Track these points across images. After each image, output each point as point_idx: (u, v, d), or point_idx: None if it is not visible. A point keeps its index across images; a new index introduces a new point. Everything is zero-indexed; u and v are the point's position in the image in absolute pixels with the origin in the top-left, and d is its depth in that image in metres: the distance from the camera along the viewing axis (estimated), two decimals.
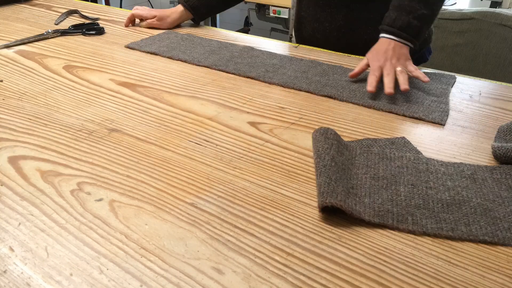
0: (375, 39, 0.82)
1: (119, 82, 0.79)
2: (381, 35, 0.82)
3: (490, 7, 2.02)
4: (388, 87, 0.73)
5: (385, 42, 0.80)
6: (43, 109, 0.68)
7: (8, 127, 0.63)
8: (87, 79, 0.80)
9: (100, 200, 0.49)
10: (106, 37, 1.03)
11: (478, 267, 0.41)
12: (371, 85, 0.74)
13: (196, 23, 1.16)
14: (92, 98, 0.72)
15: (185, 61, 0.89)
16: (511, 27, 1.46)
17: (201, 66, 0.87)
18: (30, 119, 0.65)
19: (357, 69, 0.80)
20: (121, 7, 3.08)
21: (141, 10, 1.12)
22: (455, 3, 2.10)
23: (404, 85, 0.72)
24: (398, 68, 0.75)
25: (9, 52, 0.92)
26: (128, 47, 0.96)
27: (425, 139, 0.62)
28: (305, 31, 1.06)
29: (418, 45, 0.81)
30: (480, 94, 0.77)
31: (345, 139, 0.62)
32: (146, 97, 0.74)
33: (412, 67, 0.77)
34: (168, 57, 0.91)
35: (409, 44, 0.80)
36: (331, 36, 1.00)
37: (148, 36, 1.04)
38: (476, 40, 1.56)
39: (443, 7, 1.92)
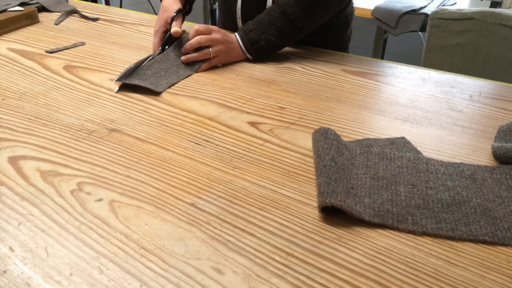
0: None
1: (119, 82, 0.79)
2: (235, 34, 0.90)
3: (490, 7, 2.02)
4: (184, 49, 0.86)
5: (232, 36, 0.89)
6: (43, 109, 0.68)
7: (8, 127, 0.63)
8: (87, 79, 0.80)
9: (100, 200, 0.49)
10: (106, 37, 1.03)
11: (478, 267, 0.41)
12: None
13: (187, 13, 1.05)
14: (92, 98, 0.72)
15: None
16: (511, 27, 1.46)
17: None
18: (30, 119, 0.65)
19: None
20: (121, 7, 3.08)
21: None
22: (455, 3, 2.10)
23: (186, 59, 0.85)
24: (208, 50, 0.85)
25: (9, 52, 0.92)
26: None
27: (425, 139, 0.62)
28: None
29: (255, 59, 0.90)
30: (480, 94, 0.77)
31: (345, 139, 0.62)
32: (146, 97, 0.74)
33: (215, 60, 0.87)
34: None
35: (247, 54, 0.90)
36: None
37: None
38: (476, 40, 1.56)
39: (443, 7, 1.92)
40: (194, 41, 0.85)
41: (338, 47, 1.05)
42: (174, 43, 0.89)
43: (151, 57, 0.86)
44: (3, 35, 1.02)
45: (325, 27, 0.96)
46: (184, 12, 1.00)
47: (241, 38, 0.89)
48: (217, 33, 0.87)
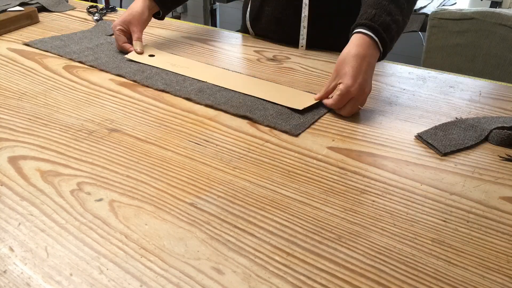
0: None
1: (119, 82, 0.79)
2: (358, 30, 0.69)
3: (490, 7, 2.02)
4: (331, 103, 0.68)
5: (362, 43, 0.68)
6: (43, 109, 0.68)
7: (8, 127, 0.63)
8: (87, 79, 0.80)
9: (100, 200, 0.49)
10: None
11: (478, 267, 0.41)
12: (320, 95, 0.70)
13: (161, 19, 1.02)
14: (92, 98, 0.72)
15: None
16: (511, 27, 1.46)
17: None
18: (30, 119, 0.65)
19: (323, 91, 0.71)
20: (121, 7, 3.07)
21: (118, 34, 0.93)
22: (455, 3, 2.10)
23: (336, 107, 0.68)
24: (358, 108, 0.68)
25: (9, 52, 0.92)
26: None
27: None
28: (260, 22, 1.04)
29: (384, 55, 0.72)
30: (480, 94, 0.77)
31: (345, 139, 0.62)
32: (146, 97, 0.74)
33: (363, 101, 0.68)
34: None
35: (380, 45, 0.69)
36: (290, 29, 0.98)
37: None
38: (476, 40, 1.56)
39: (443, 7, 1.92)
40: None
41: None
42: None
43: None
44: (3, 35, 1.01)
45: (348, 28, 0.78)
46: (159, 17, 1.01)
47: (370, 28, 0.68)
48: (351, 93, 0.66)
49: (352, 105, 0.67)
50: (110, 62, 0.86)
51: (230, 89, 0.76)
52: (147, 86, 0.77)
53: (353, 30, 0.71)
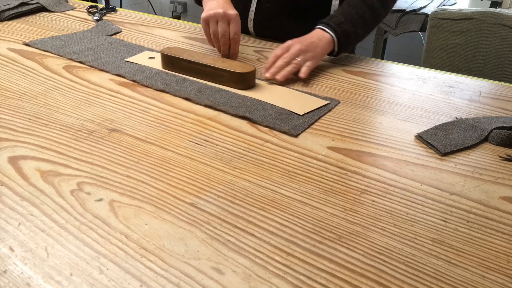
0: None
1: (119, 82, 0.79)
2: (320, 26, 0.84)
3: (490, 7, 2.02)
4: (271, 74, 0.78)
5: (318, 33, 0.83)
6: (43, 109, 0.68)
7: (8, 127, 0.63)
8: (87, 79, 0.80)
9: (100, 200, 0.49)
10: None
11: (478, 267, 0.41)
12: (266, 69, 0.80)
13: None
14: (92, 98, 0.72)
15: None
16: (511, 27, 1.46)
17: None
18: (30, 119, 0.65)
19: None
20: (121, 7, 3.08)
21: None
22: (455, 3, 2.10)
23: (281, 78, 0.78)
24: (296, 60, 0.79)
25: (9, 52, 0.92)
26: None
27: None
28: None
29: (338, 53, 0.87)
30: (480, 94, 0.77)
31: (345, 139, 0.62)
32: (146, 97, 0.74)
33: (309, 64, 0.80)
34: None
35: (336, 48, 0.84)
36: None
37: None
38: (476, 40, 1.56)
39: (443, 7, 1.92)
40: (279, 63, 0.80)
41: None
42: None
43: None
44: (3, 35, 1.01)
45: None
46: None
47: (333, 30, 0.83)
48: (295, 44, 0.81)
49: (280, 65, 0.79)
50: (110, 62, 0.86)
51: (230, 90, 0.76)
52: (147, 86, 0.77)
53: (318, 25, 0.85)
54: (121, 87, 0.77)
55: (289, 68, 0.79)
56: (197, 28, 1.13)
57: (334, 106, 0.72)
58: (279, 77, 0.78)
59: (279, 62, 0.79)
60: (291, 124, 0.65)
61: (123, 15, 1.22)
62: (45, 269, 0.40)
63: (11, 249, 0.42)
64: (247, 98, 0.73)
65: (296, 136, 0.63)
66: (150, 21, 1.17)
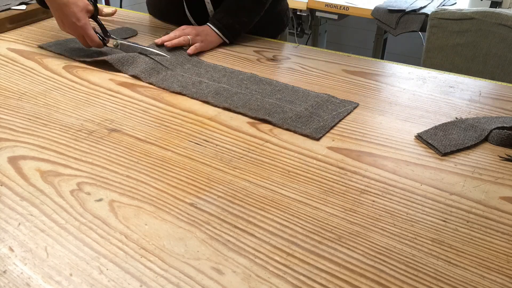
0: None
1: (119, 82, 0.79)
2: (208, 24, 0.97)
3: (490, 7, 2.02)
4: (162, 40, 0.90)
5: (208, 29, 0.96)
6: (43, 109, 0.68)
7: (8, 127, 0.63)
8: (87, 79, 0.80)
9: (100, 200, 0.49)
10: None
11: (478, 267, 0.41)
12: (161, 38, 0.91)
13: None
14: (92, 98, 0.72)
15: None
16: (511, 27, 1.46)
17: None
18: (30, 119, 0.65)
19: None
20: (121, 7, 3.07)
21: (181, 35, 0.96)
22: (455, 3, 2.10)
23: (170, 44, 0.90)
24: (186, 37, 0.92)
25: (9, 52, 0.92)
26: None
27: None
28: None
29: (230, 41, 0.99)
30: (480, 94, 0.77)
31: (345, 139, 0.62)
32: (146, 97, 0.74)
33: (198, 45, 0.92)
34: None
35: (224, 39, 0.98)
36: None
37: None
38: (476, 40, 1.56)
39: (443, 7, 1.92)
40: (171, 34, 0.92)
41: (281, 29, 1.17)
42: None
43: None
44: (3, 35, 1.02)
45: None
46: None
47: (216, 26, 0.96)
48: (188, 27, 0.95)
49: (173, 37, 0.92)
50: (125, 62, 0.84)
51: (247, 92, 0.75)
52: (163, 88, 0.77)
53: (207, 23, 0.98)
54: (121, 87, 0.77)
55: (179, 39, 0.91)
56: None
57: (353, 109, 0.71)
58: (169, 44, 0.90)
59: (171, 34, 0.93)
60: (312, 127, 0.64)
61: (123, 15, 1.22)
62: (45, 269, 0.40)
63: (11, 249, 0.42)
64: (265, 100, 0.72)
65: (318, 139, 0.62)
66: (150, 21, 1.17)
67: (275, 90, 0.77)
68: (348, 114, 0.69)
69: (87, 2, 0.86)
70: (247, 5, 0.99)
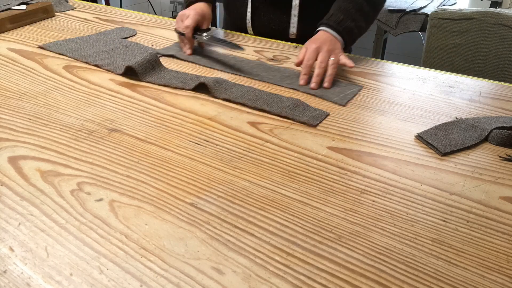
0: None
1: (119, 82, 0.79)
2: (323, 28, 0.86)
3: (490, 7, 2.02)
4: (314, 81, 0.78)
5: (324, 34, 0.85)
6: (43, 109, 0.68)
7: (8, 127, 0.63)
8: (87, 79, 0.80)
9: (100, 200, 0.49)
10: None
11: (478, 267, 0.41)
12: (303, 78, 0.80)
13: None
14: (92, 98, 0.72)
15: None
16: (511, 27, 1.46)
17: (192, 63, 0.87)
18: (30, 119, 0.65)
19: (300, 56, 0.83)
20: (121, 7, 3.08)
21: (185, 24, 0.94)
22: (455, 3, 2.10)
23: (327, 82, 0.78)
24: (331, 59, 0.80)
25: (9, 52, 0.92)
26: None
27: None
28: (259, 21, 1.07)
29: (349, 45, 0.90)
30: (480, 94, 0.77)
31: (345, 139, 0.62)
32: (146, 97, 0.74)
33: (343, 56, 0.82)
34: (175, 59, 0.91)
35: (342, 44, 0.86)
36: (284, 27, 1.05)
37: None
38: (476, 40, 1.56)
39: (443, 7, 1.92)
40: (317, 71, 0.80)
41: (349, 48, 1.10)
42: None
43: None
44: (3, 35, 1.02)
45: None
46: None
47: (336, 30, 0.85)
48: (320, 47, 0.82)
49: (320, 72, 0.79)
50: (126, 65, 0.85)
51: (245, 84, 0.78)
52: (164, 85, 0.77)
53: (320, 27, 0.87)
54: (121, 87, 0.77)
55: (331, 72, 0.80)
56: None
57: (358, 91, 0.77)
58: (326, 85, 0.79)
59: (318, 70, 0.79)
60: (309, 115, 0.67)
61: (123, 15, 1.22)
62: (45, 269, 0.40)
63: (11, 249, 0.42)
64: (263, 91, 0.75)
65: (315, 126, 0.65)
66: (150, 21, 1.17)
67: (284, 76, 0.82)
68: (355, 96, 0.75)
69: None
70: (365, 9, 0.89)
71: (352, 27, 0.86)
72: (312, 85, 0.78)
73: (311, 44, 0.83)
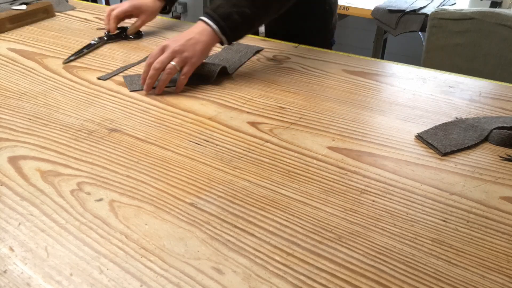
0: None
1: (119, 82, 0.79)
2: (201, 18, 0.78)
3: (490, 7, 2.02)
4: (147, 85, 0.74)
5: (199, 25, 0.77)
6: (43, 109, 0.68)
7: (8, 127, 0.63)
8: (87, 79, 0.80)
9: (100, 200, 0.49)
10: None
11: (478, 267, 0.41)
12: (143, 80, 0.74)
13: (167, 13, 1.06)
14: (92, 98, 0.72)
15: None
16: (511, 27, 1.46)
17: None
18: (30, 119, 0.65)
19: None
20: None
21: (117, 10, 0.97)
22: (455, 3, 2.10)
23: (158, 91, 0.74)
24: (170, 64, 0.73)
25: (9, 52, 0.92)
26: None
27: None
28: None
29: (230, 40, 0.79)
30: (480, 94, 0.77)
31: (345, 139, 0.62)
32: (146, 97, 0.74)
33: (186, 69, 0.74)
34: None
35: (220, 35, 0.77)
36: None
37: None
38: (476, 40, 1.56)
39: (443, 7, 1.92)
40: (151, 72, 0.74)
41: (324, 37, 1.09)
42: None
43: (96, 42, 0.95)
44: (3, 35, 1.02)
45: (309, 16, 0.99)
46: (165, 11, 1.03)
47: (210, 17, 0.76)
48: (169, 45, 0.75)
49: (154, 74, 0.73)
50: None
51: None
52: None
53: (201, 16, 0.79)
54: (121, 87, 0.77)
55: (163, 78, 0.73)
56: None
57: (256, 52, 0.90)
58: (156, 91, 0.74)
59: (151, 71, 0.73)
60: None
61: None
62: (45, 269, 0.40)
63: (11, 249, 0.42)
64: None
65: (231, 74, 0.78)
66: (150, 21, 1.17)
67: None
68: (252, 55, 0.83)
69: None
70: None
71: (231, 12, 0.76)
72: (144, 88, 0.74)
73: (170, 42, 0.76)
